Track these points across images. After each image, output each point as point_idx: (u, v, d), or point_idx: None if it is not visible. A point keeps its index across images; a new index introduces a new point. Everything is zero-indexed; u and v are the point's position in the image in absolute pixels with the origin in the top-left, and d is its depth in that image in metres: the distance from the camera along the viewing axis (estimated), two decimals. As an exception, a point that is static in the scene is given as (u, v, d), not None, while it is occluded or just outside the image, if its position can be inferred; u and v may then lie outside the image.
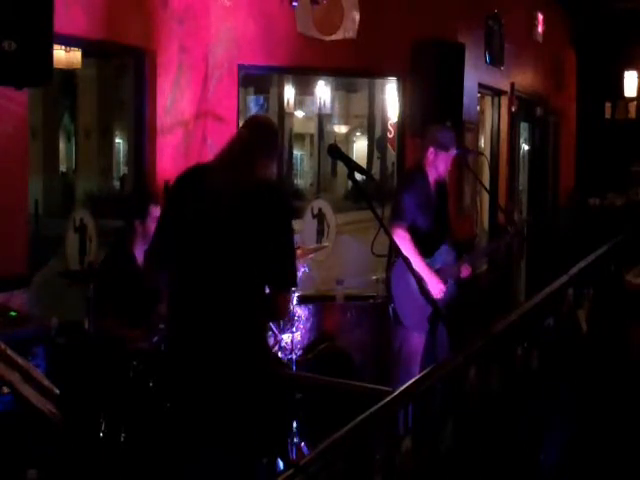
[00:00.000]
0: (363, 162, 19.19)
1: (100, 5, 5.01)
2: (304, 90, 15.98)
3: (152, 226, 4.65)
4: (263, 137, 3.32)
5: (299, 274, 5.48)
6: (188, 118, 5.83)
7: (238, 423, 3.13)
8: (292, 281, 3.24)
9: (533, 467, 3.76)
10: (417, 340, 4.89)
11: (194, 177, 3.31)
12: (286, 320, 5.13)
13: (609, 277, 5.98)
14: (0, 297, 4.28)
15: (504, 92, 8.88)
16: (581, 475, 3.99)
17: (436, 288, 4.83)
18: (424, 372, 2.93)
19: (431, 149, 5.02)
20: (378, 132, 17.68)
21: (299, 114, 19.79)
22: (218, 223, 3.17)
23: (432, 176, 5.03)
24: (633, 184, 11.46)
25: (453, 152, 5.04)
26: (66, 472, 3.72)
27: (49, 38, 3.73)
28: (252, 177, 3.21)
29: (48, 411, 3.27)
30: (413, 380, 2.79)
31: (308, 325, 6.14)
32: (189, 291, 3.24)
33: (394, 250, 4.20)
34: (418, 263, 4.73)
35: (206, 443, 3.15)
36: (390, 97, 8.96)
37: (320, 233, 6.51)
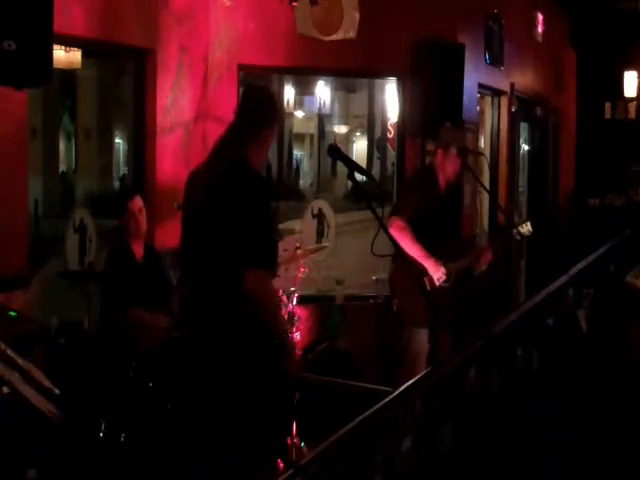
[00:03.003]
0: (363, 162, 19.17)
1: (100, 5, 5.01)
2: (304, 90, 15.97)
3: (131, 221, 4.71)
4: (250, 109, 3.38)
5: (299, 274, 5.49)
6: (188, 118, 5.83)
7: (237, 421, 3.14)
8: (258, 259, 3.19)
9: (533, 468, 3.76)
10: (423, 339, 4.89)
11: (192, 174, 3.47)
12: (286, 320, 5.12)
13: (609, 277, 5.98)
14: (0, 297, 4.28)
15: (504, 92, 8.88)
16: (581, 475, 3.99)
17: (437, 272, 4.83)
18: (424, 372, 2.93)
19: (439, 150, 5.03)
20: (378, 132, 17.66)
21: (299, 114, 19.78)
22: (198, 214, 3.31)
23: (442, 177, 5.03)
24: (633, 184, 11.46)
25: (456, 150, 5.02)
26: (66, 472, 3.72)
27: (49, 38, 3.73)
28: (234, 159, 3.28)
29: (48, 411, 3.27)
30: (413, 380, 2.79)
31: (308, 325, 6.13)
32: (188, 281, 3.38)
33: (394, 246, 4.21)
34: (417, 251, 4.74)
35: (205, 443, 3.16)
36: (390, 97, 8.95)
37: (320, 233, 6.51)
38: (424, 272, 4.81)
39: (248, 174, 3.31)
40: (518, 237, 5.07)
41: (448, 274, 4.88)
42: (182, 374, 3.36)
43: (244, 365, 3.19)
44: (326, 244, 6.35)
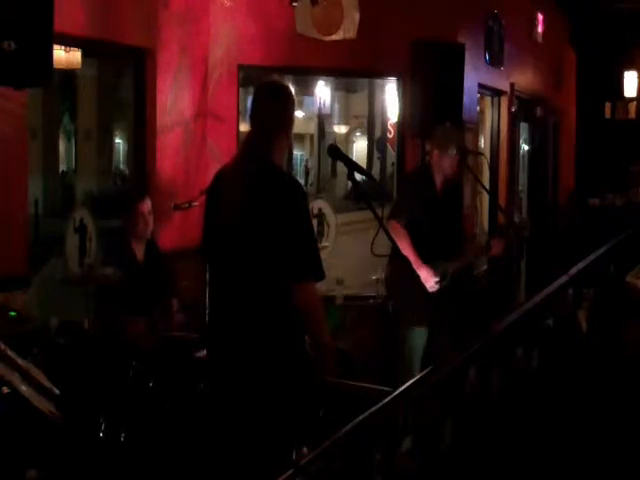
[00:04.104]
0: (363, 162, 19.16)
1: (100, 5, 5.01)
2: (304, 90, 15.98)
3: (139, 222, 4.71)
4: (274, 109, 3.29)
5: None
6: (188, 118, 5.83)
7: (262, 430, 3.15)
8: (309, 271, 3.16)
9: (533, 467, 3.76)
10: (419, 338, 4.89)
11: (219, 176, 3.38)
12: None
13: (609, 277, 5.98)
14: (0, 297, 4.28)
15: (504, 92, 8.88)
16: (581, 475, 3.99)
17: (428, 282, 4.81)
18: (424, 372, 2.93)
19: (435, 150, 5.03)
20: (378, 132, 17.64)
21: (299, 114, 19.79)
22: (234, 219, 3.21)
23: (439, 177, 5.02)
24: (633, 184, 11.46)
25: (454, 150, 5.01)
26: (66, 472, 3.72)
27: (49, 38, 3.73)
28: (267, 162, 3.21)
29: (48, 411, 3.27)
30: (413, 380, 2.79)
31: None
32: (217, 287, 3.33)
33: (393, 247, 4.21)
34: (411, 256, 4.73)
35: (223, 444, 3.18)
36: (390, 97, 8.95)
37: (320, 233, 6.50)
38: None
39: (285, 179, 3.27)
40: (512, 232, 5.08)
41: (442, 276, 4.87)
42: (202, 377, 3.36)
43: (277, 375, 3.17)
44: (326, 244, 6.34)
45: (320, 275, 3.19)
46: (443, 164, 4.98)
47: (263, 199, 3.15)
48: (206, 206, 3.42)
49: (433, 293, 4.75)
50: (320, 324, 3.25)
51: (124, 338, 4.30)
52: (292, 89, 3.62)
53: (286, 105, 3.34)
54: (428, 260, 4.81)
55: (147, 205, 4.79)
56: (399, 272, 4.86)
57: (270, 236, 3.13)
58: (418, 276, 4.72)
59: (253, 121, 3.33)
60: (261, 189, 3.16)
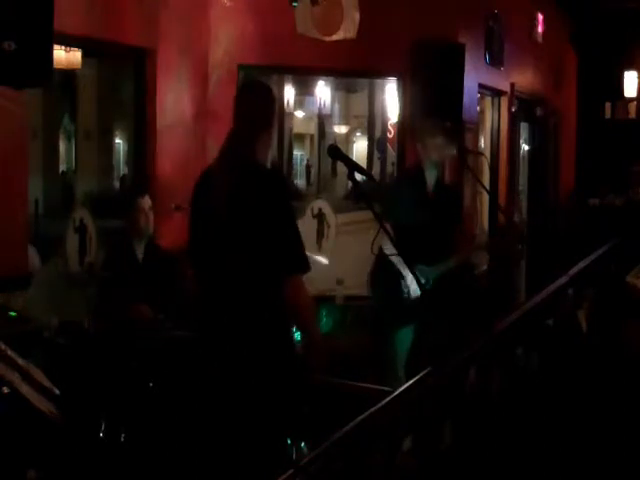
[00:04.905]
0: (363, 162, 19.16)
1: (100, 5, 5.01)
2: (304, 90, 15.96)
3: (140, 218, 4.72)
4: (256, 109, 3.32)
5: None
6: (188, 118, 5.83)
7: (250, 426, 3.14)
8: (297, 265, 3.19)
9: (533, 467, 3.76)
10: (403, 337, 4.87)
11: (203, 176, 3.41)
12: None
13: (609, 277, 5.98)
14: (0, 297, 4.28)
15: (504, 92, 8.88)
16: (581, 472, 3.99)
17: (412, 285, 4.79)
18: (424, 372, 2.92)
19: (420, 143, 4.92)
20: (378, 132, 17.63)
21: (299, 114, 19.79)
22: (218, 218, 3.23)
23: (431, 175, 4.90)
24: (633, 184, 11.45)
25: (438, 139, 4.89)
26: (66, 472, 3.72)
27: (49, 38, 3.73)
28: (249, 160, 3.23)
29: (48, 411, 3.27)
30: (413, 380, 2.79)
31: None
32: (206, 287, 3.32)
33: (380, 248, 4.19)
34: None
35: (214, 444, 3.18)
36: (390, 97, 8.96)
37: (320, 233, 6.50)
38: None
39: (267, 174, 3.28)
40: None
41: (425, 281, 4.80)
42: (196, 375, 3.36)
43: (269, 372, 3.17)
44: (326, 244, 6.35)
45: (306, 267, 3.21)
46: (431, 154, 4.82)
47: (245, 196, 3.18)
48: (192, 206, 3.42)
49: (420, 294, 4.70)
50: (310, 317, 3.27)
51: (124, 337, 4.31)
52: (278, 92, 3.69)
53: (267, 102, 3.38)
54: (414, 263, 4.76)
55: (147, 201, 4.80)
56: (381, 272, 4.86)
57: (255, 232, 3.15)
58: (400, 277, 4.72)
59: (236, 119, 3.37)
60: (243, 186, 3.20)
